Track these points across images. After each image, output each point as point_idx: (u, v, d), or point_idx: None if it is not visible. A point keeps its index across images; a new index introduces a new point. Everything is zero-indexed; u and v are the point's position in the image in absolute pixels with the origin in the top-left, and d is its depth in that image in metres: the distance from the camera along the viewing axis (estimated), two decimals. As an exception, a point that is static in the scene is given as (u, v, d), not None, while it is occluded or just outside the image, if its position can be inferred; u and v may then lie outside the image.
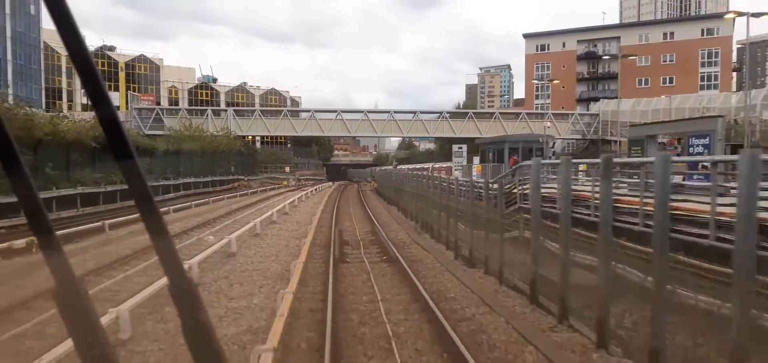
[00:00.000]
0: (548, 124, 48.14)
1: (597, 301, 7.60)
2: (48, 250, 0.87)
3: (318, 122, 67.18)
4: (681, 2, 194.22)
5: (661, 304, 6.28)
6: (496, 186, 12.82)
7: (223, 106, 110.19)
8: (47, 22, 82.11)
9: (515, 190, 14.62)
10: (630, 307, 8.27)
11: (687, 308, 7.32)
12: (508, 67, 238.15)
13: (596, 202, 10.37)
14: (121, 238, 17.89)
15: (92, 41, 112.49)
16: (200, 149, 47.64)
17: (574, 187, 11.96)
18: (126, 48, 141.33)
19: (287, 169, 71.93)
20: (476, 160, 38.19)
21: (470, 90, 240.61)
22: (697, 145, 22.20)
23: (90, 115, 44.31)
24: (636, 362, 6.81)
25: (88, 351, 0.87)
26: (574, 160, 14.36)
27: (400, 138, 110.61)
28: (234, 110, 69.48)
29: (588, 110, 73.19)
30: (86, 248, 16.09)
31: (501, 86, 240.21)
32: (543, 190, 11.49)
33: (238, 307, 9.77)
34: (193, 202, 30.99)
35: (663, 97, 62.34)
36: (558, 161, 15.20)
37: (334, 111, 68.59)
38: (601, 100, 71.89)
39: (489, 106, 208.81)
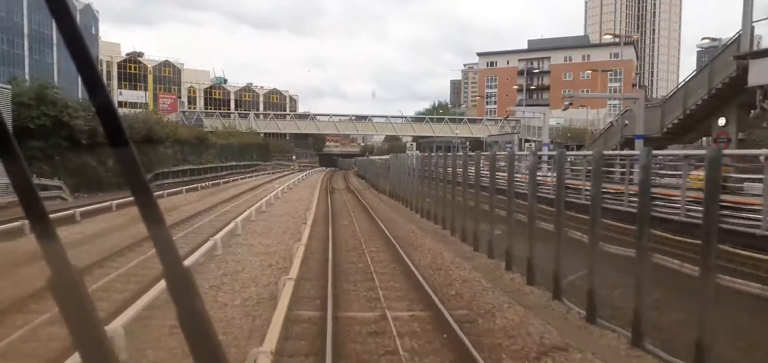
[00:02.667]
0: (458, 131, 71.09)
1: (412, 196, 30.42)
2: (43, 238, 0.87)
3: (315, 123, 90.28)
4: (638, 18, 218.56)
5: (421, 197, 29.11)
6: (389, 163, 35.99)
7: (232, 103, 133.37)
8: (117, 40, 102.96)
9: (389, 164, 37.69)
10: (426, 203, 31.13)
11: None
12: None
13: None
14: (239, 184, 40.62)
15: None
16: (237, 143, 70.30)
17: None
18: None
19: (294, 157, 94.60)
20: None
21: (455, 85, 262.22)
22: (507, 147, 45.51)
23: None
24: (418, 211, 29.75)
25: (84, 338, 0.88)
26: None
27: (378, 135, 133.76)
28: (254, 113, 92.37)
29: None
30: (232, 186, 38.87)
31: (486, 80, 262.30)
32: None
33: (303, 198, 32.61)
34: (247, 177, 53.75)
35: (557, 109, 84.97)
36: (420, 153, 38.10)
37: (328, 115, 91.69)
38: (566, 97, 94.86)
39: (472, 101, 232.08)
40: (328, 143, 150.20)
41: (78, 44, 0.83)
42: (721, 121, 22.97)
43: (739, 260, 8.31)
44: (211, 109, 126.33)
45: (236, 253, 13.85)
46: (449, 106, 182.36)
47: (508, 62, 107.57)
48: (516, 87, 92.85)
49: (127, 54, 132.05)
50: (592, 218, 9.38)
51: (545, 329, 8.26)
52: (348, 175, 72.19)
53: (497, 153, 17.54)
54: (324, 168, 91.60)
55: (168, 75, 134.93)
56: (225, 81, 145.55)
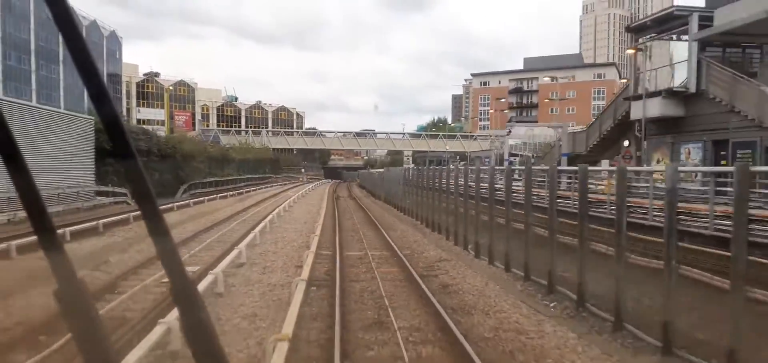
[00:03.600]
0: (449, 146, 79.15)
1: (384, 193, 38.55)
2: (49, 249, 0.87)
3: (321, 139, 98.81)
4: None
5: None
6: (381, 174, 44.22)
7: (243, 120, 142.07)
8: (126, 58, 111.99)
9: (383, 175, 45.72)
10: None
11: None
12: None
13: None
14: (259, 193, 48.67)
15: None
16: (253, 158, 78.69)
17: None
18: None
19: (303, 170, 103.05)
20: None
21: (456, 99, 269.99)
22: (486, 161, 53.57)
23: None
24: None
25: (90, 349, 0.89)
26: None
27: (381, 150, 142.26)
28: (266, 131, 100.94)
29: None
30: (260, 190, 47.01)
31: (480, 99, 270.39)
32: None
33: (314, 202, 40.71)
34: (263, 187, 61.90)
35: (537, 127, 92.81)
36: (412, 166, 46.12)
37: (333, 132, 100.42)
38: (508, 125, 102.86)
39: (473, 115, 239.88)
40: (332, 157, 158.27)
41: (85, 59, 0.84)
42: (626, 143, 31.00)
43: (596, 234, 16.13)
44: (223, 125, 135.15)
45: (281, 228, 21.96)
46: (450, 120, 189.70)
47: (499, 82, 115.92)
48: (491, 110, 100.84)
49: (145, 74, 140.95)
50: (507, 209, 17.29)
51: (446, 256, 16.30)
52: (351, 186, 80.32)
53: (441, 168, 25.57)
54: (329, 180, 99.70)
55: (183, 94, 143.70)
56: (236, 99, 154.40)
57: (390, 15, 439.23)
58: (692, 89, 24.26)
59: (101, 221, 22.11)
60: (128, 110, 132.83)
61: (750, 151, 21.91)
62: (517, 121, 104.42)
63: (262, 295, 10.91)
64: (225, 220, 25.86)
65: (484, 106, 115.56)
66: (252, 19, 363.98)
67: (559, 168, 16.79)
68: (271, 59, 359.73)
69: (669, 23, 25.58)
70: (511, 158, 46.09)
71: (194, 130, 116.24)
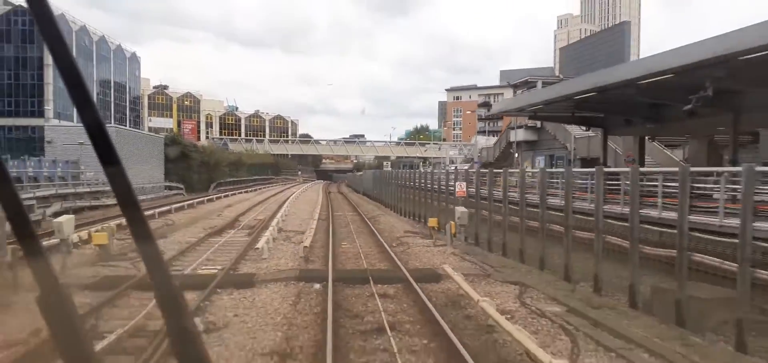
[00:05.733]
0: (419, 153, 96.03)
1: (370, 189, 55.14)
2: (32, 256, 0.87)
3: (315, 146, 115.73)
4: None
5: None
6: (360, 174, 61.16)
7: (243, 128, 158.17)
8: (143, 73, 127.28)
9: (361, 177, 62.32)
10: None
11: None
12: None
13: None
14: (269, 190, 65.21)
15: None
16: (259, 162, 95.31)
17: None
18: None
19: (299, 172, 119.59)
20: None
21: (442, 105, 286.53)
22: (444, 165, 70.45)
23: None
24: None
25: (72, 356, 0.89)
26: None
27: (368, 155, 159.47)
28: (268, 139, 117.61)
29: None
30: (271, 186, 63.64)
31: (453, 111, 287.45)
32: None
33: (312, 195, 57.32)
34: (269, 186, 78.41)
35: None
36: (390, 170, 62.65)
37: (325, 140, 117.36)
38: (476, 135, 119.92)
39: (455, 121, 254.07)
40: (324, 161, 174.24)
41: (69, 65, 0.85)
42: (516, 155, 47.89)
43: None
44: (225, 133, 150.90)
45: (297, 205, 38.51)
46: (436, 126, 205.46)
47: (470, 96, 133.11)
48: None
49: (155, 87, 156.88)
50: (441, 195, 33.91)
51: (383, 214, 33.02)
52: (340, 185, 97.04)
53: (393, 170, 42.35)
54: (321, 181, 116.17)
55: (189, 104, 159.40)
56: (236, 108, 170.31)
57: (377, 18, 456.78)
58: (539, 125, 41.25)
59: (194, 201, 38.64)
60: (141, 119, 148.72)
61: (562, 160, 38.91)
62: (482, 132, 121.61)
63: (300, 220, 27.61)
64: (261, 203, 42.35)
65: (457, 117, 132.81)
66: (241, 24, 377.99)
67: (440, 171, 33.49)
68: (261, 64, 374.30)
69: (529, 84, 42.50)
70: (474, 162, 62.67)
71: (199, 138, 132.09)
